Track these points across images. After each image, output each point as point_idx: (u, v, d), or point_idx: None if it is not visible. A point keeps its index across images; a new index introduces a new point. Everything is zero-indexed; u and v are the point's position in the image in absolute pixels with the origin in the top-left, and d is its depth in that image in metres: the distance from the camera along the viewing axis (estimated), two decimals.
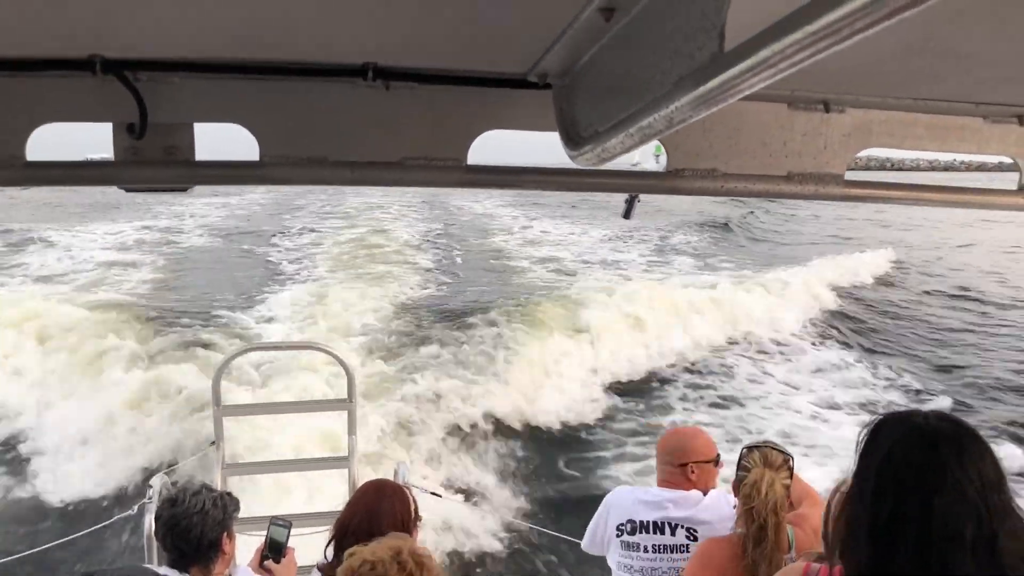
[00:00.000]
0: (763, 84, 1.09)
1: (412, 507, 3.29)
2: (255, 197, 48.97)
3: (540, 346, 14.68)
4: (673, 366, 15.25)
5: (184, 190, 2.12)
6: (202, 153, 2.09)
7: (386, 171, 2.16)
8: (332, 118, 2.10)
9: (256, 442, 8.35)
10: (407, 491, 3.38)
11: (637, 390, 14.09)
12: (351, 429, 5.81)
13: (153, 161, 2.01)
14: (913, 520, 1.58)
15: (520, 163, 2.33)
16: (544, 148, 2.10)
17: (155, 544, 3.57)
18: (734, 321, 17.57)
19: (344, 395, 5.84)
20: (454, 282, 22.85)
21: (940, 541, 1.55)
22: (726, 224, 36.74)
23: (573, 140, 1.91)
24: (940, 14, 1.57)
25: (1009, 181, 2.58)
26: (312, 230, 32.73)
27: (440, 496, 6.03)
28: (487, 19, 1.70)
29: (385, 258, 25.84)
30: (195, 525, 3.22)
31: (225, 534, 3.31)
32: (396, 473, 5.29)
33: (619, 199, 2.66)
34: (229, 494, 3.56)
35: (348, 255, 26.17)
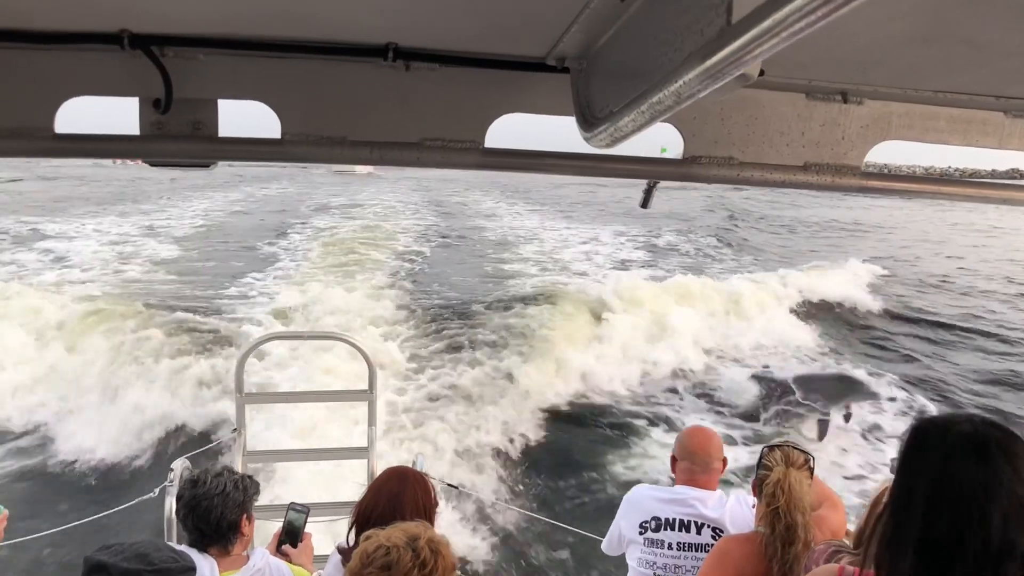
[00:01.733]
0: (768, 54, 1.10)
1: (433, 495, 3.31)
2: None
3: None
4: None
5: (207, 166, 2.16)
6: (225, 130, 2.12)
7: (405, 151, 2.18)
8: (352, 98, 2.13)
9: None
10: (428, 479, 3.40)
11: None
12: (371, 420, 5.84)
13: (177, 136, 2.05)
14: (971, 533, 1.55)
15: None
16: (562, 137, 2.11)
17: (175, 525, 3.62)
18: None
19: (365, 386, 5.88)
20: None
21: (998, 553, 1.52)
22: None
23: (588, 122, 1.93)
24: (958, 2, 1.57)
25: None
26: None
27: (457, 488, 6.04)
28: (506, 2, 1.72)
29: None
30: (216, 506, 3.27)
31: (245, 516, 3.35)
32: (415, 463, 5.32)
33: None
34: (250, 477, 3.60)
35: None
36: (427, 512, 3.14)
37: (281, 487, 7.91)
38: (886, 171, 2.45)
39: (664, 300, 18.80)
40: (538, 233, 36.19)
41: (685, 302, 18.94)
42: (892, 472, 1.80)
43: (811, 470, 3.21)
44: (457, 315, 17.80)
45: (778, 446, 3.27)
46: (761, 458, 3.26)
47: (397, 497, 3.16)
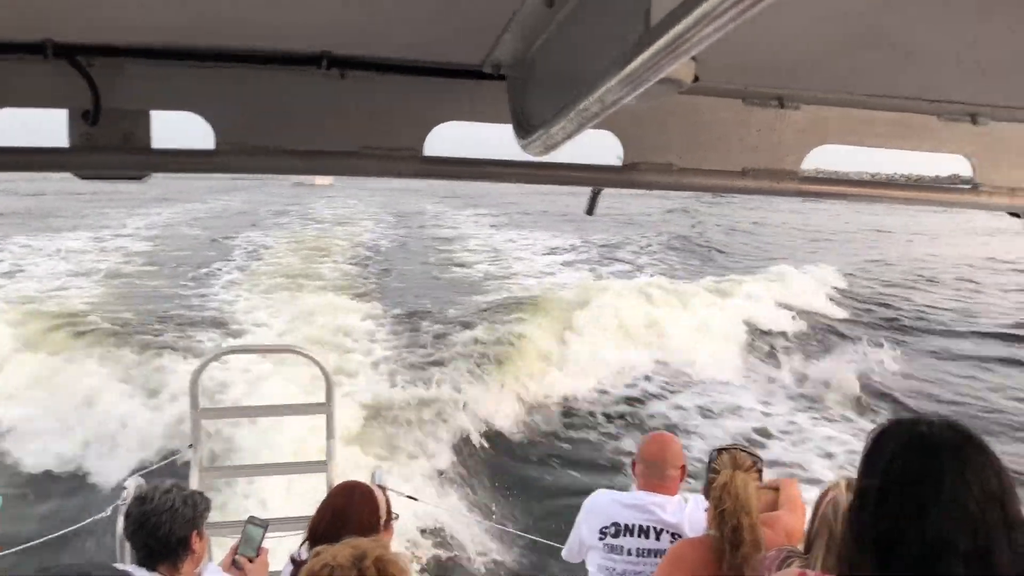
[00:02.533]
0: (685, 58, 1.11)
1: (382, 509, 3.29)
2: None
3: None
4: None
5: (140, 178, 2.13)
6: (158, 142, 2.09)
7: (342, 160, 2.17)
8: (287, 107, 2.11)
9: None
10: (378, 493, 3.38)
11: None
12: (329, 433, 5.81)
13: (107, 148, 2.02)
14: (911, 529, 1.57)
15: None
16: (506, 144, 2.12)
17: (127, 545, 3.57)
18: None
19: (323, 399, 5.85)
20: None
21: (934, 552, 1.54)
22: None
23: (524, 129, 1.93)
24: (885, 6, 1.59)
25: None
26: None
27: (416, 500, 6.02)
28: (439, 8, 1.72)
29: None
30: (164, 523, 3.22)
31: (195, 532, 3.31)
32: (373, 476, 5.31)
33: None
34: (200, 493, 3.56)
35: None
36: (375, 526, 3.13)
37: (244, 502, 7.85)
38: (823, 175, 2.48)
39: (632, 306, 18.95)
40: (511, 241, 36.62)
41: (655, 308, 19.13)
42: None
43: (760, 471, 3.25)
44: (424, 325, 17.75)
45: (726, 449, 3.31)
46: (710, 461, 3.30)
47: (342, 511, 3.16)
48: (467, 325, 17.16)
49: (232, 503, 7.39)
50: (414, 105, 2.17)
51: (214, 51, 1.98)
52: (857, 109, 2.42)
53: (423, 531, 8.14)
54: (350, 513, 3.16)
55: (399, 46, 2.02)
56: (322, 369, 5.88)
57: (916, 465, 1.61)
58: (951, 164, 2.58)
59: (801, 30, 1.76)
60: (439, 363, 14.60)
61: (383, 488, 3.74)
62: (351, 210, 52.37)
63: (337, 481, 5.36)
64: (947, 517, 1.55)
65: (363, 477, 6.16)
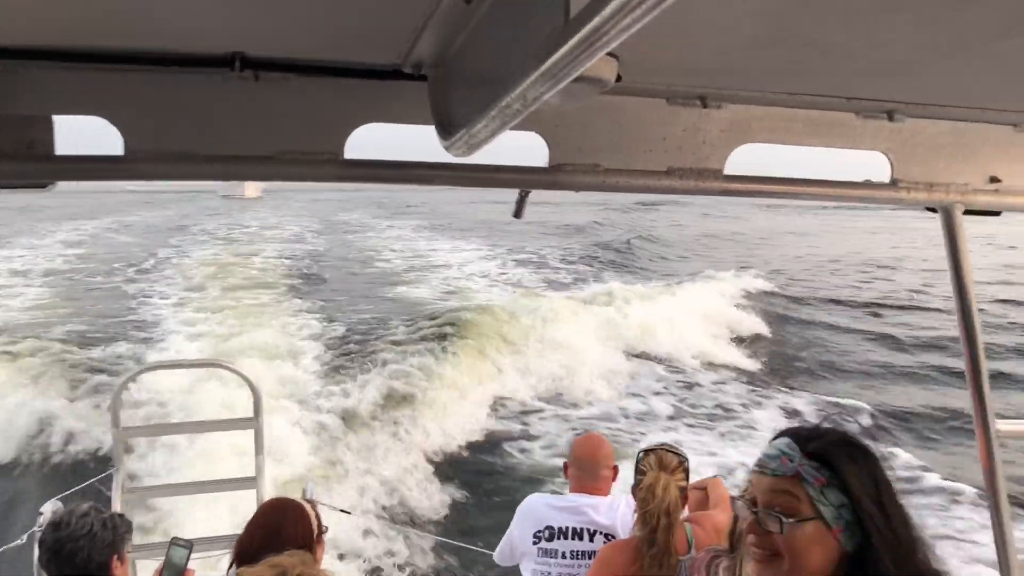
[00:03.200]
0: (604, 52, 1.09)
1: (314, 524, 3.22)
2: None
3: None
4: None
5: (43, 187, 2.02)
6: (63, 148, 1.99)
7: (259, 165, 2.10)
8: (200, 110, 2.04)
9: None
10: (309, 508, 3.31)
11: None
12: (258, 449, 5.68)
13: (8, 155, 1.91)
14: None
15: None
16: (432, 146, 2.08)
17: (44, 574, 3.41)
18: None
19: (251, 413, 5.72)
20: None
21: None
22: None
23: (446, 130, 1.90)
24: (800, 4, 1.61)
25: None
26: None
27: (349, 513, 5.92)
28: (355, 7, 1.67)
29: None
30: (82, 548, 3.09)
31: (115, 557, 3.18)
32: (304, 492, 5.21)
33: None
34: (121, 515, 3.43)
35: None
36: (307, 542, 3.05)
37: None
38: (747, 174, 2.51)
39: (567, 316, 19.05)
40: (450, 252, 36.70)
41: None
42: None
43: (686, 471, 3.26)
44: (358, 339, 17.55)
45: (653, 450, 3.32)
46: (637, 463, 3.30)
47: (274, 529, 3.07)
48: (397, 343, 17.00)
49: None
50: (333, 107, 2.12)
51: (121, 52, 1.89)
52: (778, 108, 2.45)
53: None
54: (283, 530, 3.07)
55: (315, 47, 1.96)
56: (249, 383, 5.75)
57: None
58: (872, 161, 2.65)
59: (721, 29, 1.76)
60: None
61: (314, 503, 3.66)
62: (280, 222, 52.04)
63: (267, 497, 5.26)
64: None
65: (293, 492, 6.09)
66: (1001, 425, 2.87)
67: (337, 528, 6.22)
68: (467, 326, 17.62)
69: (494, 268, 32.14)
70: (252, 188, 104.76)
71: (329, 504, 5.42)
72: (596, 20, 1.01)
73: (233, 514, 6.81)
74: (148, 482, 8.02)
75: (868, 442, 1.75)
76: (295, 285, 26.15)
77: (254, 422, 5.69)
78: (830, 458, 1.67)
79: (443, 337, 16.78)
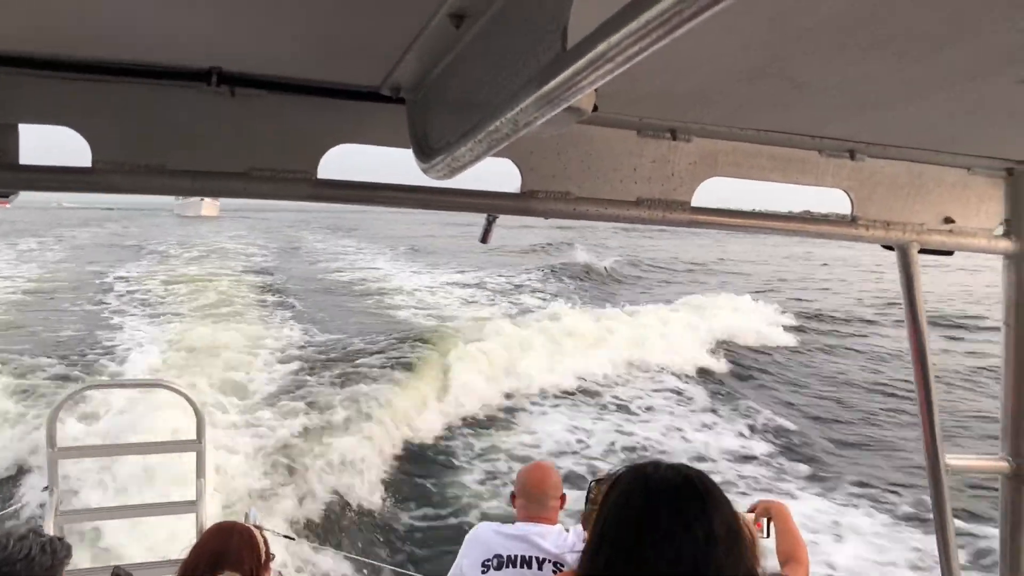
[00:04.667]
0: (604, 80, 1.10)
1: (261, 549, 3.15)
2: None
3: None
4: None
5: (6, 196, 1.96)
6: (28, 158, 1.94)
7: (231, 182, 2.07)
8: (173, 124, 2.00)
9: None
10: (256, 532, 3.24)
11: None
12: (200, 472, 5.54)
13: None
14: (625, 571, 1.56)
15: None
16: (403, 169, 2.07)
17: None
18: None
19: (193, 436, 5.58)
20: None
21: None
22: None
23: (425, 153, 1.89)
24: (773, 42, 1.64)
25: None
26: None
27: (293, 539, 5.79)
28: (336, 28, 1.66)
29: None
30: (19, 573, 2.96)
31: None
32: (247, 517, 5.09)
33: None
34: (60, 539, 3.30)
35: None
36: (253, 568, 2.99)
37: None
38: (713, 207, 2.55)
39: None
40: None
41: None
42: None
43: None
44: (320, 360, 17.38)
45: (604, 479, 3.30)
46: (588, 492, 3.29)
47: (220, 554, 2.99)
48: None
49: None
50: (308, 126, 2.10)
51: (91, 62, 1.85)
52: (745, 143, 2.51)
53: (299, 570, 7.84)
54: (229, 555, 3.00)
55: (294, 65, 1.94)
56: (192, 405, 5.62)
57: (634, 509, 1.61)
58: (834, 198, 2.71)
59: (695, 63, 1.80)
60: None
61: (259, 528, 3.58)
62: (240, 240, 51.84)
63: (208, 522, 5.12)
64: (661, 559, 1.53)
65: (235, 516, 5.94)
66: (951, 460, 2.94)
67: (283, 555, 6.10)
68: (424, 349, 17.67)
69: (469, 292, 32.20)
70: (210, 207, 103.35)
71: (272, 529, 5.30)
72: (598, 50, 1.03)
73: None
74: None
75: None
76: (258, 302, 25.89)
77: (196, 444, 5.55)
78: None
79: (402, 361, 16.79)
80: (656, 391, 17.44)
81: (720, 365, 20.14)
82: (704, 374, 19.21)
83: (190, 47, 1.82)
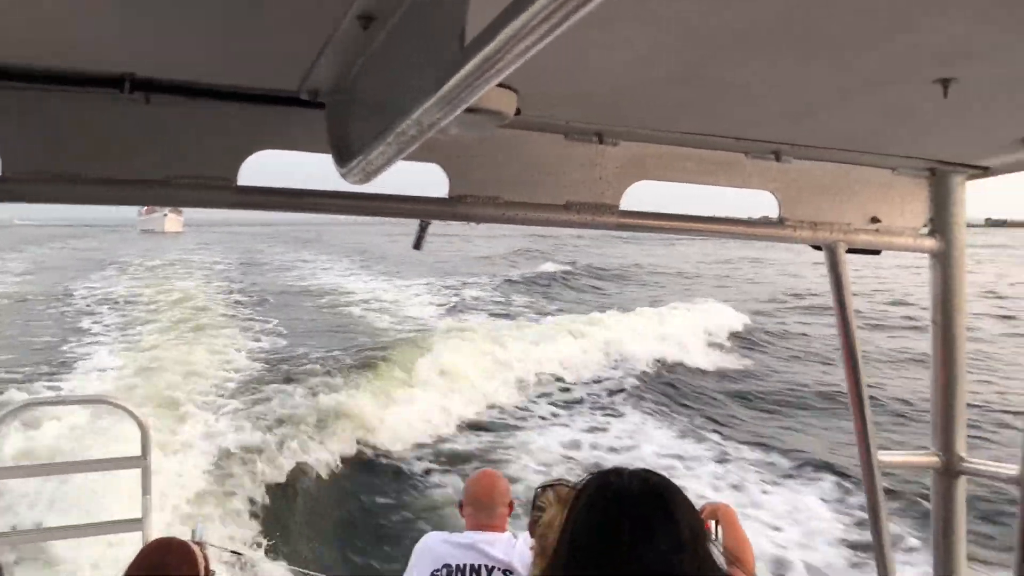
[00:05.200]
0: (498, 79, 1.10)
1: (200, 567, 3.08)
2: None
3: None
4: None
5: None
6: None
7: (149, 190, 2.03)
8: (87, 132, 1.96)
9: None
10: (196, 549, 3.17)
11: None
12: (145, 488, 5.42)
13: None
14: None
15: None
16: (333, 174, 2.05)
17: None
18: None
19: (138, 452, 5.46)
20: None
21: None
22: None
23: (343, 157, 1.88)
24: (696, 46, 1.66)
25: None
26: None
27: (241, 555, 5.70)
28: (248, 32, 1.64)
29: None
30: None
31: None
32: (194, 532, 4.99)
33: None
34: None
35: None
36: None
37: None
38: (642, 211, 2.57)
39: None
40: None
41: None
42: None
43: None
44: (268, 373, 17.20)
45: (551, 485, 3.30)
46: (535, 499, 3.28)
47: (157, 572, 2.92)
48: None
49: None
50: (227, 132, 2.07)
51: (1, 69, 1.81)
52: (671, 146, 2.53)
53: None
54: (167, 573, 2.93)
55: (209, 70, 1.92)
56: (137, 421, 5.48)
57: (600, 516, 1.61)
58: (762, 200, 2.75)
59: (617, 67, 1.81)
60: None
61: (202, 544, 3.51)
62: (204, 255, 51.64)
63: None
64: (627, 567, 1.54)
65: (183, 531, 5.83)
66: (883, 456, 2.99)
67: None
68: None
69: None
70: (173, 222, 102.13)
71: (220, 545, 5.21)
72: (491, 47, 1.02)
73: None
74: None
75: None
76: (218, 316, 25.65)
77: (141, 461, 5.43)
78: None
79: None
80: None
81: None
82: None
83: (101, 53, 1.79)
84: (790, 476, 12.62)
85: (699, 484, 11.83)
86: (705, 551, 1.60)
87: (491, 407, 16.14)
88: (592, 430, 15.13)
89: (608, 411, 16.56)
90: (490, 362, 18.45)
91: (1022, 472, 2.65)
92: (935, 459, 3.02)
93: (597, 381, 18.63)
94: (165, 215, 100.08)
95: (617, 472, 1.68)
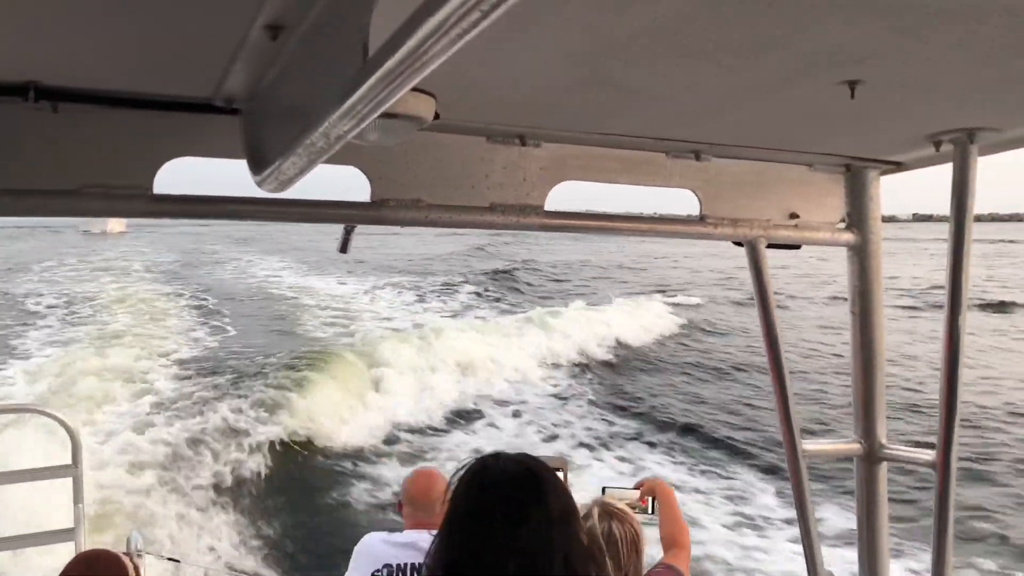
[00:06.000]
0: (404, 90, 1.10)
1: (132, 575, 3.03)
2: None
3: None
4: None
5: None
6: None
7: (60, 200, 1.99)
8: None
9: None
10: (126, 560, 3.11)
11: None
12: (77, 498, 5.30)
13: None
14: (467, 559, 1.65)
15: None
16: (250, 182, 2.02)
17: None
18: None
19: (68, 461, 5.33)
20: None
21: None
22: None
23: (258, 165, 1.86)
24: (607, 49, 1.68)
25: None
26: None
27: (178, 561, 5.61)
28: (160, 39, 1.61)
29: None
30: None
31: None
32: (129, 542, 4.89)
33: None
34: None
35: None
36: None
37: None
38: (566, 211, 2.59)
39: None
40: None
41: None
42: None
43: None
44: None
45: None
46: (450, 485, 3.29)
47: None
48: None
49: None
50: (140, 141, 2.03)
51: None
52: (593, 147, 2.55)
53: None
54: None
55: (120, 78, 1.88)
56: (68, 429, 5.36)
57: (473, 500, 1.71)
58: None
59: (536, 70, 1.82)
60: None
61: (135, 554, 3.45)
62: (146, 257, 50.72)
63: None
64: (498, 547, 1.62)
65: (118, 541, 5.70)
66: (807, 445, 3.07)
67: None
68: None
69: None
70: (116, 223, 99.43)
71: (156, 553, 5.12)
72: (395, 58, 1.02)
73: None
74: None
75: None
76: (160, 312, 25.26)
77: (72, 470, 5.30)
78: None
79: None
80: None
81: None
82: None
83: (3, 61, 1.74)
84: None
85: None
86: (576, 530, 1.70)
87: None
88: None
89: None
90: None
91: (938, 457, 2.74)
92: (857, 446, 3.11)
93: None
94: None
95: (495, 456, 1.77)
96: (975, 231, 2.57)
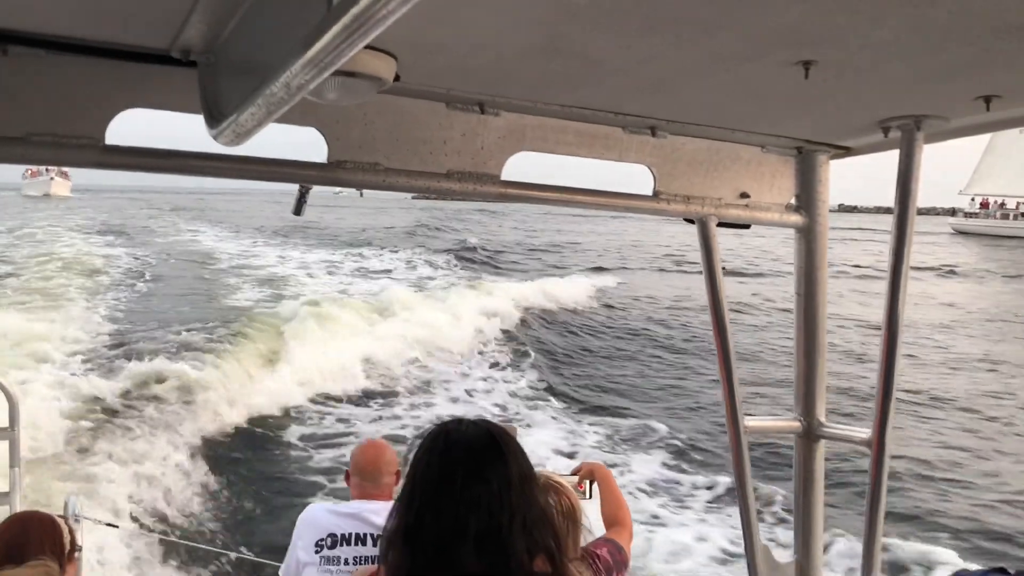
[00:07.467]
0: (366, 40, 1.10)
1: (65, 541, 2.98)
2: None
3: None
4: None
5: None
6: None
7: (6, 147, 1.94)
8: None
9: None
10: (61, 523, 3.06)
11: None
12: (13, 461, 5.19)
13: None
14: (428, 519, 1.68)
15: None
16: (203, 136, 1.99)
17: None
18: None
19: (5, 423, 5.22)
20: None
21: (447, 538, 1.65)
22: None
23: (214, 118, 1.83)
24: (564, 16, 1.69)
25: None
26: None
27: (117, 527, 5.53)
28: None
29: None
30: None
31: None
32: (66, 505, 4.82)
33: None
34: None
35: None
36: (56, 562, 2.83)
37: None
38: (522, 181, 2.60)
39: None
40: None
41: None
42: None
43: None
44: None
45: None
46: (408, 452, 3.30)
47: (15, 547, 2.81)
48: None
49: None
50: (93, 89, 1.99)
51: None
52: (551, 118, 2.57)
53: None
54: (26, 548, 2.82)
55: (75, 23, 1.84)
56: (5, 391, 5.25)
57: (436, 463, 1.74)
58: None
59: (497, 35, 1.82)
60: None
61: (71, 518, 3.39)
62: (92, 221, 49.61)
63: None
64: (459, 506, 1.67)
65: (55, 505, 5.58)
66: (749, 422, 3.14)
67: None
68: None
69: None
70: (60, 186, 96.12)
71: (94, 518, 5.04)
72: (358, 7, 1.02)
73: None
74: None
75: None
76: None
77: (9, 432, 5.20)
78: None
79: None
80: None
81: None
82: None
83: None
84: None
85: None
86: (533, 493, 1.74)
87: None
88: None
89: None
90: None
91: (874, 436, 2.83)
92: (797, 424, 3.19)
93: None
94: (52, 178, 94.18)
95: (458, 420, 1.81)
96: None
